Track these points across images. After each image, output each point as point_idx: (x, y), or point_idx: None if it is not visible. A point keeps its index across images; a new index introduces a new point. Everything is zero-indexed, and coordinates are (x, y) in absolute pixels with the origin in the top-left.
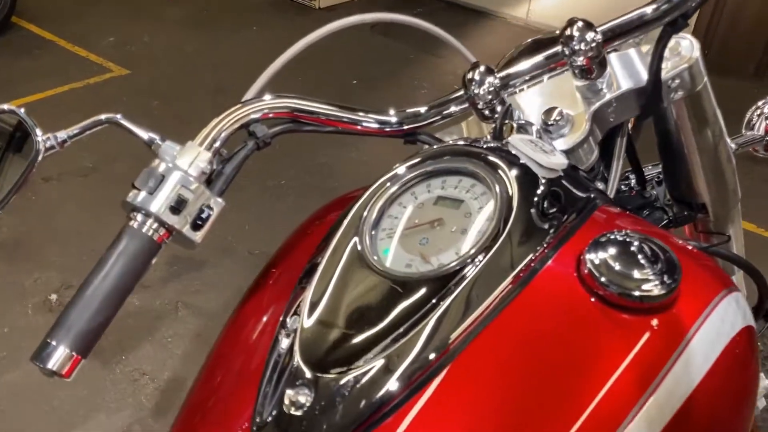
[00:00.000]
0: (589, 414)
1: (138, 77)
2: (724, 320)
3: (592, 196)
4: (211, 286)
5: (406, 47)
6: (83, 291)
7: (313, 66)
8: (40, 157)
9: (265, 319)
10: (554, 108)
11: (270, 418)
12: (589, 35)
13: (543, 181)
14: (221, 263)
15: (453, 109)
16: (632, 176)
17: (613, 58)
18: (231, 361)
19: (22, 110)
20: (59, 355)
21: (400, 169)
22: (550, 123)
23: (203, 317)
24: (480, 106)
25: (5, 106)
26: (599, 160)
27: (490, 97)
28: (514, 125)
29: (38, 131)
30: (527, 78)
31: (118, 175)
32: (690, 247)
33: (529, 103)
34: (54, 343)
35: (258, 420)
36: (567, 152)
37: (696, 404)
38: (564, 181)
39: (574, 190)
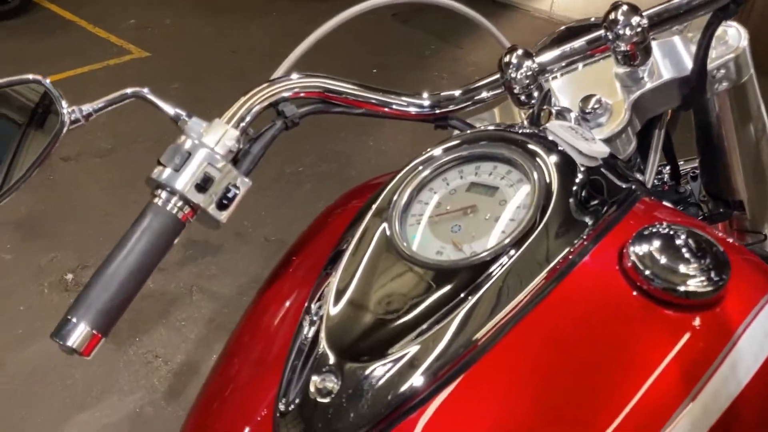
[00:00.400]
0: (629, 414)
1: (158, 60)
2: None
3: (633, 187)
4: (226, 272)
5: (428, 37)
6: (105, 268)
7: (333, 54)
8: (65, 129)
9: (287, 304)
10: (592, 96)
11: (294, 405)
12: (635, 20)
13: (582, 169)
14: (237, 249)
15: (487, 94)
16: (666, 170)
17: (655, 46)
18: (252, 347)
19: (48, 81)
20: (79, 333)
21: (433, 153)
22: (587, 111)
23: (217, 302)
24: (516, 91)
25: (31, 76)
26: (636, 152)
27: (527, 81)
28: (552, 111)
29: (64, 103)
30: (566, 63)
31: (135, 157)
32: (736, 243)
33: (567, 89)
34: (74, 320)
35: (282, 407)
36: (604, 142)
37: (744, 406)
38: (604, 171)
39: (615, 181)
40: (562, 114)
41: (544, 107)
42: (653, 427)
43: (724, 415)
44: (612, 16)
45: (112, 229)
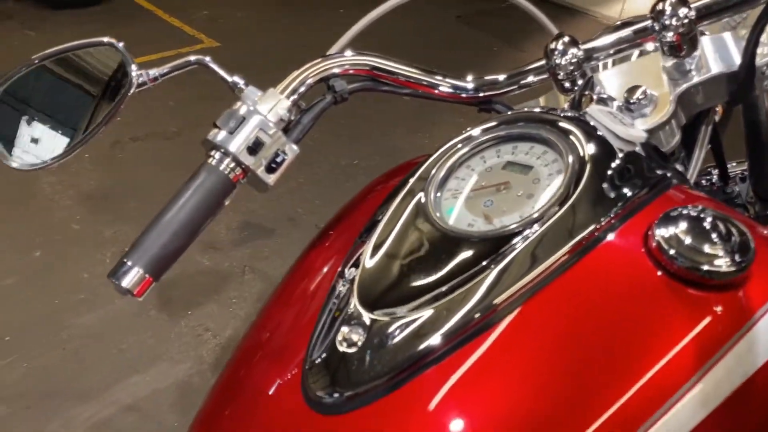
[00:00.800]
0: (642, 384)
1: (227, 50)
2: None
3: (669, 174)
4: (277, 254)
5: (491, 39)
6: (160, 218)
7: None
8: (132, 90)
9: (324, 270)
10: (638, 86)
11: (322, 357)
12: (682, 11)
13: (618, 153)
14: (289, 234)
15: (532, 79)
16: (714, 171)
17: (706, 41)
18: (286, 311)
19: (121, 44)
20: (133, 275)
21: (472, 133)
22: (632, 101)
23: (268, 283)
24: (560, 77)
25: (105, 39)
26: (681, 147)
27: (571, 68)
28: (594, 97)
29: (134, 66)
30: (612, 52)
31: (200, 140)
32: (764, 231)
33: (614, 80)
34: (129, 263)
35: (311, 357)
36: (647, 132)
37: (755, 388)
38: (640, 156)
39: (650, 167)
40: (604, 101)
41: (586, 93)
42: (662, 398)
43: (736, 393)
44: (659, 6)
45: None
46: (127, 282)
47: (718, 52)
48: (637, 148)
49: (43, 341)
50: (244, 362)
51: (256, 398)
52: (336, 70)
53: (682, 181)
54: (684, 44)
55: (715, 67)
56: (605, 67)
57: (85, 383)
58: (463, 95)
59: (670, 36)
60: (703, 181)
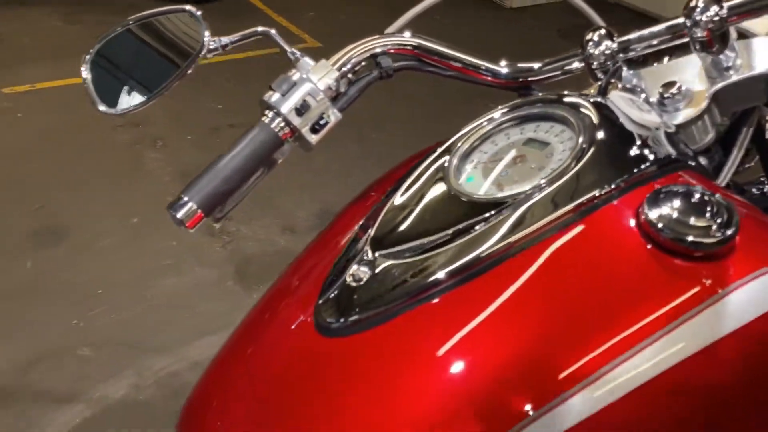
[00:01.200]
0: (613, 330)
1: (328, 50)
2: None
3: (679, 158)
4: None
5: None
6: (215, 163)
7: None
8: (203, 52)
9: (348, 228)
10: (674, 82)
11: (334, 293)
12: (714, 8)
13: (629, 134)
14: None
15: (567, 67)
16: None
17: (752, 42)
18: (311, 259)
19: (199, 13)
20: (187, 209)
21: (501, 111)
22: (666, 96)
23: None
24: (594, 67)
25: (186, 7)
26: (718, 147)
27: (604, 58)
28: (620, 85)
29: (207, 33)
30: (645, 46)
31: None
32: (761, 217)
33: (654, 76)
34: (185, 198)
35: (324, 294)
36: (679, 127)
37: (714, 356)
38: (653, 140)
39: (661, 150)
40: (630, 90)
41: (613, 81)
42: (630, 344)
43: (695, 357)
44: (692, 3)
45: (261, 192)
46: (181, 214)
47: (762, 53)
48: (653, 134)
49: (130, 298)
50: (266, 306)
51: (273, 333)
52: (383, 48)
53: (697, 168)
54: (715, 41)
55: (758, 67)
56: (645, 62)
57: (160, 339)
58: (503, 80)
59: (700, 32)
60: (755, 190)
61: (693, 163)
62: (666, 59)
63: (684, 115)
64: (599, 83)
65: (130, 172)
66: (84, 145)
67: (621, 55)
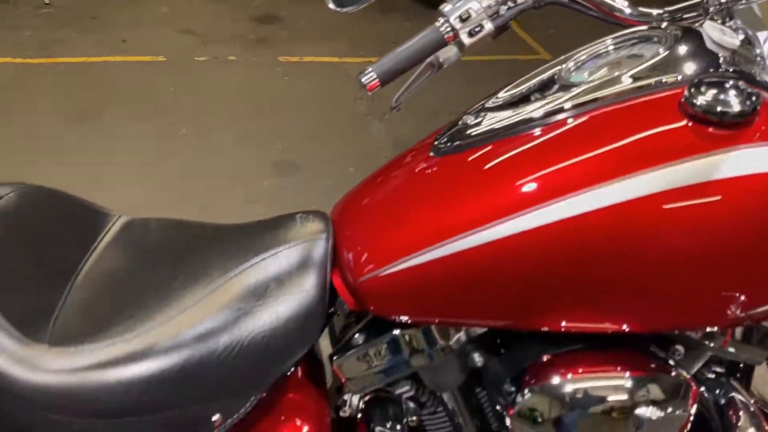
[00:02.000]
0: (638, 155)
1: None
2: None
3: (737, 72)
4: None
5: None
6: (395, 48)
7: None
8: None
9: None
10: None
11: (448, 131)
12: None
13: (704, 49)
14: None
15: (686, 15)
16: None
17: None
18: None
19: None
20: (370, 76)
21: (621, 34)
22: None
23: None
24: (711, 11)
25: None
26: None
27: (718, 4)
28: (718, 21)
29: None
30: None
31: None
32: None
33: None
34: (370, 70)
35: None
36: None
37: (707, 193)
38: (718, 54)
39: (720, 64)
40: (748, 41)
41: (716, 18)
42: (640, 166)
43: (680, 191)
44: None
45: None
46: (365, 80)
47: None
48: (725, 53)
49: None
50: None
51: (401, 160)
52: None
53: (758, 86)
54: None
55: None
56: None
57: None
58: (643, 20)
59: None
60: None
61: (757, 83)
62: None
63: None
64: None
65: (357, 134)
66: (328, 109)
67: (735, 5)
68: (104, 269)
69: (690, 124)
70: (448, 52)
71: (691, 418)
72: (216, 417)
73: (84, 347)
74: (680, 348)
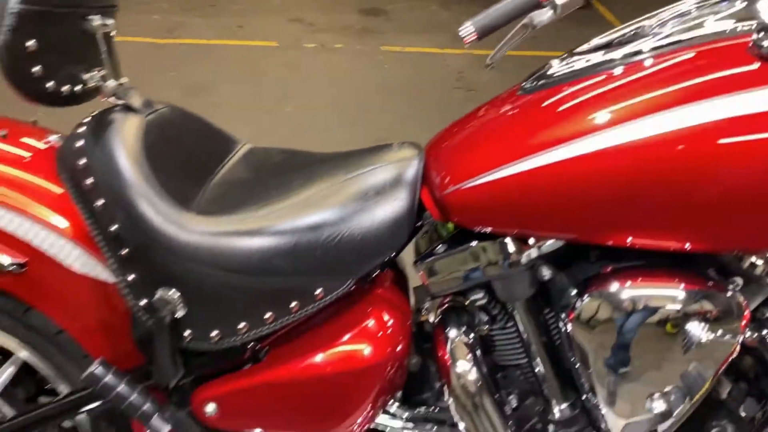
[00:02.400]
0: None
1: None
2: None
3: None
4: None
5: None
6: (492, 7)
7: None
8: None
9: None
10: None
11: (535, 74)
12: None
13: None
14: None
15: None
16: None
17: None
18: None
19: None
20: (469, 30)
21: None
22: None
23: None
24: None
25: None
26: None
27: None
28: None
29: None
30: None
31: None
32: None
33: None
34: (469, 24)
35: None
36: None
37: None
38: None
39: None
40: None
41: None
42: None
43: (744, 118)
44: None
45: None
46: (463, 33)
47: None
48: None
49: None
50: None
51: (488, 104)
52: None
53: None
54: None
55: None
56: None
57: None
58: None
59: None
60: None
61: None
62: None
63: None
64: None
65: (453, 118)
66: (426, 96)
67: None
68: (235, 176)
69: (758, 63)
70: (542, 15)
71: (738, 348)
72: (318, 290)
73: (222, 217)
74: (739, 280)
